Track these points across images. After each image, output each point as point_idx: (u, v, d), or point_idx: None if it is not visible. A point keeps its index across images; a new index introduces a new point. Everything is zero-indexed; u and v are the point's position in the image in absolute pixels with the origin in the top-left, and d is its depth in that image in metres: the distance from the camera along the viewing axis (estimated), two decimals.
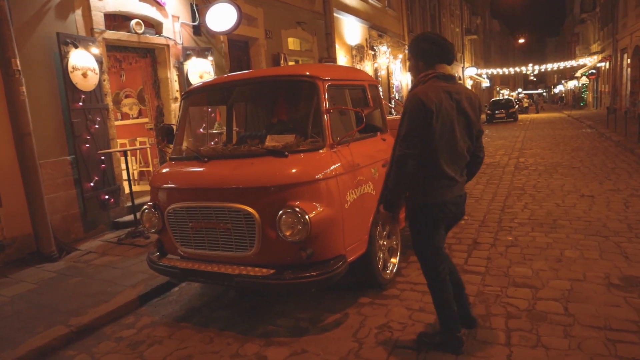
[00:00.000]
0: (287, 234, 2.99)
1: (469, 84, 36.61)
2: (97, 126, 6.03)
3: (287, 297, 3.75)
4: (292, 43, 11.94)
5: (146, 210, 3.60)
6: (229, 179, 3.17)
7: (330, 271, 3.03)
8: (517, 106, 28.29)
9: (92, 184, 5.95)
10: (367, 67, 16.01)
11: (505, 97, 35.89)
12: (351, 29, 14.87)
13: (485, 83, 42.99)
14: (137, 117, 9.23)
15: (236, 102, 4.65)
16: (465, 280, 3.73)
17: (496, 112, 25.63)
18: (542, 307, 3.22)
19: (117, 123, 9.56)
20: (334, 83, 3.53)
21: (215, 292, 4.05)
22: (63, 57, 5.54)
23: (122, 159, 6.19)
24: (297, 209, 2.95)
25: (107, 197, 6.17)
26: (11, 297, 4.26)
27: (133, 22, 6.66)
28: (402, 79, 20.44)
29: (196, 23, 8.00)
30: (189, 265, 3.38)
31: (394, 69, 19.09)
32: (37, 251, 5.28)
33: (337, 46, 13.49)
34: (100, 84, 6.08)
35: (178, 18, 7.65)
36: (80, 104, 5.78)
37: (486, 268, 4.05)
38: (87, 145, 5.89)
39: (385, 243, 3.94)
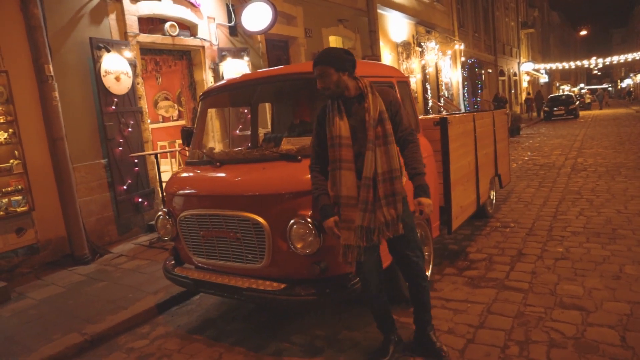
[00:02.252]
0: (298, 246, 2.74)
1: (525, 80, 34.80)
2: (130, 129, 6.06)
3: (304, 311, 3.50)
4: (334, 41, 11.68)
5: (160, 217, 3.47)
6: (237, 185, 2.96)
7: (346, 287, 2.74)
8: (577, 102, 26.49)
9: (125, 187, 5.99)
10: (414, 64, 15.48)
11: (566, 92, 33.68)
12: (396, 26, 14.41)
13: (544, 79, 40.72)
14: (177, 120, 9.34)
15: (259, 102, 4.46)
16: (504, 299, 3.37)
17: (554, 108, 24.09)
18: (593, 335, 2.77)
19: (156, 126, 9.76)
20: None
21: (233, 303, 3.87)
22: (96, 62, 5.60)
23: (161, 160, 6.21)
24: (309, 219, 2.69)
25: (140, 199, 6.20)
26: (39, 300, 4.29)
27: (167, 24, 6.67)
28: (452, 76, 19.64)
29: (232, 23, 7.94)
30: (201, 276, 3.21)
31: (442, 66, 18.36)
32: (71, 254, 5.36)
33: (381, 43, 13.10)
34: (133, 87, 6.12)
35: (214, 19, 7.62)
36: (113, 107, 5.83)
37: (530, 284, 3.60)
38: (120, 148, 5.93)
39: None
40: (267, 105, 5.17)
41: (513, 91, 30.55)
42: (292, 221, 2.74)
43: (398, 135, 2.56)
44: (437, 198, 4.00)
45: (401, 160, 2.61)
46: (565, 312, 3.09)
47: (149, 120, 9.20)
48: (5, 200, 4.74)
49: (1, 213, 4.68)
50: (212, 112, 6.96)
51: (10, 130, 4.75)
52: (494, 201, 5.92)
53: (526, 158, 10.62)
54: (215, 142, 7.42)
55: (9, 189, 4.76)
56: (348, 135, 2.48)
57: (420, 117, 4.19)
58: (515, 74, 31.81)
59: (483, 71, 22.91)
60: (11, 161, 4.76)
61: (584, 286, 3.47)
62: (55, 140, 5.12)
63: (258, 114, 4.54)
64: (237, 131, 6.58)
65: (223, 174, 3.14)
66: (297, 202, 2.76)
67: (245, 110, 6.63)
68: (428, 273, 3.73)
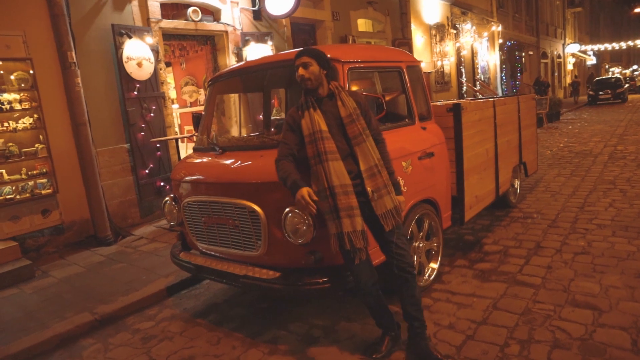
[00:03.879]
0: (293, 235, 2.71)
1: (570, 62, 33.08)
2: (152, 114, 6.17)
3: (304, 300, 3.49)
4: (364, 24, 11.44)
5: (167, 203, 3.52)
6: (234, 172, 2.95)
7: (340, 278, 2.70)
8: (627, 85, 24.93)
9: (147, 171, 6.13)
10: (448, 47, 14.99)
11: (616, 75, 31.78)
12: (430, 7, 13.94)
13: (591, 61, 38.59)
14: (203, 104, 9.45)
15: (271, 87, 4.41)
16: (513, 294, 3.24)
17: (600, 92, 22.75)
18: (602, 337, 2.61)
19: (183, 110, 9.93)
20: (358, 65, 3.13)
21: (238, 289, 3.91)
22: (118, 48, 5.71)
23: (182, 145, 6.33)
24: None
25: (162, 183, 6.33)
26: (59, 279, 4.49)
27: (190, 9, 6.71)
28: (490, 59, 18.91)
29: (256, 7, 7.89)
30: (203, 261, 3.25)
31: (479, 49, 17.69)
32: (95, 235, 5.56)
33: (413, 26, 12.74)
34: (155, 73, 6.21)
35: (237, 3, 7.59)
36: (135, 93, 5.94)
37: (543, 280, 3.43)
38: (142, 133, 6.05)
39: (421, 245, 3.50)
40: (282, 91, 5.12)
41: (556, 74, 29.12)
42: (286, 210, 2.70)
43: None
44: (449, 187, 3.87)
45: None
46: (575, 311, 2.93)
47: (176, 105, 9.39)
48: (31, 183, 4.95)
49: (27, 195, 4.89)
50: (235, 97, 6.99)
51: (35, 115, 4.93)
52: (518, 190, 5.67)
53: (561, 145, 10.13)
54: (239, 127, 7.46)
55: (35, 172, 4.97)
56: (327, 129, 2.49)
57: (432, 103, 4.03)
58: (559, 56, 30.27)
59: (523, 53, 21.92)
60: (36, 145, 4.96)
61: (601, 284, 3.27)
62: (78, 125, 5.28)
63: (270, 100, 4.52)
64: (260, 116, 6.58)
65: (223, 161, 3.13)
66: None
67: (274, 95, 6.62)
68: (436, 265, 3.64)
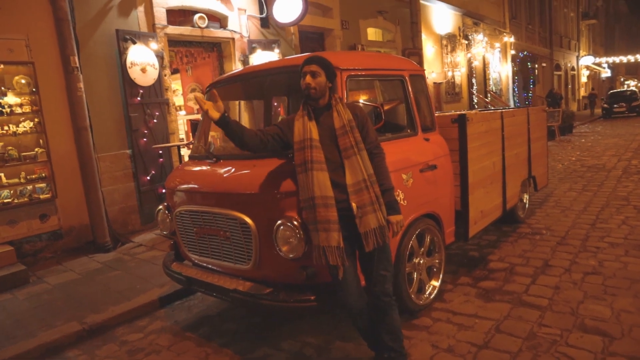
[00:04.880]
0: (284, 249, 2.59)
1: (584, 74, 32.68)
2: (155, 121, 6.12)
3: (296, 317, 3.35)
4: (374, 34, 11.37)
5: (160, 211, 3.43)
6: (225, 182, 2.85)
7: (330, 296, 2.56)
8: None
9: (148, 178, 6.06)
10: (460, 57, 14.86)
11: (631, 88, 31.29)
12: (441, 17, 13.84)
13: (605, 73, 38.10)
14: None
15: (272, 95, 4.32)
16: (517, 316, 3.07)
17: (615, 105, 22.37)
18: None
19: (191, 117, 9.87)
20: (358, 73, 3.02)
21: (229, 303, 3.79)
22: (122, 53, 5.68)
23: (185, 152, 6.26)
24: (295, 222, 2.52)
25: (164, 190, 6.24)
26: (53, 285, 4.41)
27: (196, 16, 6.68)
28: (502, 70, 18.71)
29: (264, 15, 7.85)
30: (193, 273, 3.14)
31: (490, 60, 17.51)
32: (93, 241, 5.49)
33: (423, 36, 12.63)
34: (160, 79, 6.17)
35: (245, 11, 7.55)
36: (138, 98, 5.89)
37: (550, 301, 3.26)
38: (145, 139, 6.00)
39: (422, 262, 3.35)
40: (285, 99, 5.02)
41: (570, 86, 28.75)
42: (278, 222, 2.59)
43: (365, 147, 2.45)
44: (452, 201, 3.72)
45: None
46: (584, 337, 2.76)
47: (183, 112, 9.35)
48: (29, 187, 4.90)
49: (25, 199, 4.84)
50: (235, 104, 6.92)
51: (36, 119, 4.89)
52: (527, 205, 5.49)
53: (574, 158, 9.89)
54: None
55: (34, 176, 4.92)
56: (318, 139, 2.40)
57: (437, 114, 3.90)
58: (573, 69, 29.91)
59: (536, 65, 21.65)
60: (36, 149, 4.92)
61: (613, 307, 3.09)
62: (80, 130, 5.24)
63: (271, 108, 4.42)
64: (262, 124, 6.50)
65: (216, 170, 3.03)
66: (284, 203, 2.61)
67: (275, 103, 6.54)
68: (437, 283, 3.49)
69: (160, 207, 3.44)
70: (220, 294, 2.92)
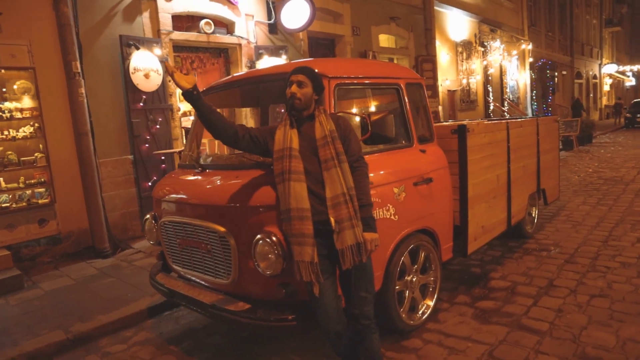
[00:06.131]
0: (262, 265, 2.48)
1: (607, 82, 31.89)
2: (158, 126, 6.10)
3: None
4: (386, 40, 11.24)
5: (147, 220, 3.36)
6: (206, 194, 2.75)
7: (313, 315, 2.43)
8: None
9: (150, 184, 6.03)
10: (475, 64, 14.61)
11: None
12: (456, 24, 13.63)
13: (630, 82, 37.12)
14: None
15: (269, 102, 4.22)
16: (513, 341, 2.88)
17: (638, 115, 21.72)
18: None
19: None
20: (348, 82, 2.90)
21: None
22: (125, 59, 5.67)
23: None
24: (274, 238, 2.41)
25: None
26: (46, 291, 4.38)
27: (202, 22, 6.66)
28: (519, 78, 18.35)
29: (272, 21, 7.80)
30: (175, 285, 3.05)
31: (508, 67, 17.18)
32: (92, 246, 5.47)
33: (438, 43, 12.44)
34: (164, 85, 6.15)
35: (252, 16, 7.52)
36: (141, 104, 5.88)
37: (551, 325, 3.06)
38: (147, 145, 5.97)
39: (415, 279, 3.19)
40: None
41: (591, 95, 28.06)
42: (257, 237, 2.48)
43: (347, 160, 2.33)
44: (450, 216, 3.56)
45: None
46: None
47: (192, 117, 9.34)
48: (28, 192, 4.90)
49: (24, 204, 4.84)
50: (231, 111, 6.88)
51: (36, 124, 4.90)
52: (535, 219, 5.27)
53: (590, 170, 9.56)
54: None
55: (33, 181, 4.92)
56: (298, 148, 2.29)
57: (436, 124, 3.75)
58: (595, 77, 29.21)
59: (556, 73, 21.20)
60: (35, 154, 4.92)
61: (618, 335, 2.89)
62: (80, 135, 5.24)
63: (268, 115, 4.33)
64: None
65: (200, 180, 2.94)
66: (263, 216, 2.50)
67: (282, 110, 6.45)
68: (431, 302, 3.32)
69: (148, 216, 3.37)
70: (199, 309, 2.82)
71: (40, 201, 4.94)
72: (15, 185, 4.83)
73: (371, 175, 2.77)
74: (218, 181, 2.78)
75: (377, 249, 2.40)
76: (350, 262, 2.20)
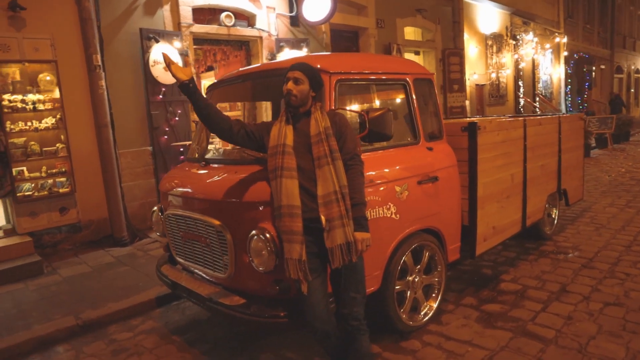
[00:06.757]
0: (256, 261, 2.48)
1: None
2: (177, 118, 6.19)
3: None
4: (411, 33, 11.03)
5: (154, 212, 3.42)
6: (206, 188, 2.77)
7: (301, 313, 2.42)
8: None
9: None
10: (506, 58, 14.17)
11: None
12: (486, 16, 13.23)
13: None
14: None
15: (278, 97, 4.19)
16: (516, 347, 2.80)
17: None
18: None
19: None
20: (350, 77, 2.85)
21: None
22: (145, 52, 5.77)
23: None
24: (267, 234, 2.41)
25: None
26: (64, 277, 4.54)
27: (223, 14, 6.69)
28: (553, 73, 17.70)
29: (293, 13, 7.77)
30: (177, 277, 3.10)
31: (541, 61, 16.60)
32: (111, 235, 5.62)
33: (466, 35, 12.13)
34: None
35: (274, 9, 7.50)
36: (161, 97, 5.98)
37: (557, 333, 2.95)
38: (166, 137, 6.08)
39: (417, 280, 3.14)
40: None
41: (632, 90, 26.79)
42: (252, 233, 2.48)
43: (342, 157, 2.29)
44: (458, 216, 3.47)
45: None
46: None
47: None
48: (50, 181, 5.07)
49: (45, 192, 5.02)
50: (241, 105, 6.92)
51: (58, 116, 5.05)
52: (555, 220, 5.08)
53: (623, 170, 9.14)
54: None
55: (54, 170, 5.09)
56: (292, 145, 2.28)
57: (446, 121, 3.65)
58: (637, 71, 27.86)
59: (594, 67, 20.32)
60: (57, 145, 5.08)
61: (629, 347, 2.75)
62: (101, 127, 5.38)
63: (280, 109, 4.31)
64: None
65: (201, 175, 2.97)
66: (259, 212, 2.49)
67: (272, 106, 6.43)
68: (435, 304, 3.27)
69: (155, 208, 3.43)
70: (197, 301, 2.86)
71: (61, 190, 5.11)
72: (37, 174, 5.01)
73: (372, 173, 2.78)
74: (218, 176, 2.79)
75: (377, 248, 2.36)
76: (339, 261, 2.17)
